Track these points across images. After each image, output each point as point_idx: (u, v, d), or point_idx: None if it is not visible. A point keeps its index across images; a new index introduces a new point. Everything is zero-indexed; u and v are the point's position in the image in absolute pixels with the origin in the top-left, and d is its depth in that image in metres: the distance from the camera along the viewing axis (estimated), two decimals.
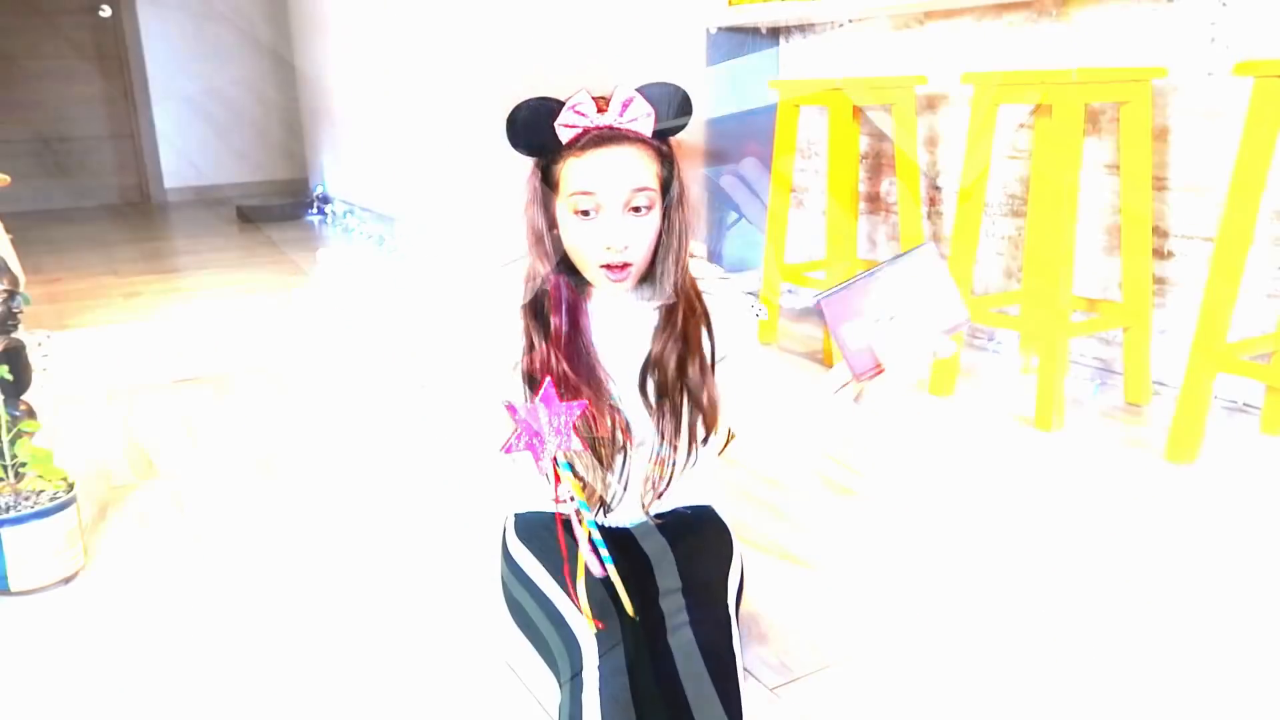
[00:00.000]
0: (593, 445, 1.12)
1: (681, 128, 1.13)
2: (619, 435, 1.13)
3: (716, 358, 1.16)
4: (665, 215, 1.11)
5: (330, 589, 1.41)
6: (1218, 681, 1.15)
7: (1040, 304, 2.01)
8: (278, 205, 4.68)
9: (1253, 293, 2.01)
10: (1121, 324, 2.09)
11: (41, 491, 1.43)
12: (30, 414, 1.60)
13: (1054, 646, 1.23)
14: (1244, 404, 2.05)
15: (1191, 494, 1.66)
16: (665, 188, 1.10)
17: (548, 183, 1.11)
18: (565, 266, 1.13)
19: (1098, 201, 2.28)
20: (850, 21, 2.87)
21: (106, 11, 5.17)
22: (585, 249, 1.08)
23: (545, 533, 1.18)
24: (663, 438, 1.15)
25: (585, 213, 1.07)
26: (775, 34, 3.19)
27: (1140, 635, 1.25)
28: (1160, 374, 2.19)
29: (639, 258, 1.08)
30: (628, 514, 1.19)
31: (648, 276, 1.14)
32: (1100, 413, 2.08)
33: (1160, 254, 2.16)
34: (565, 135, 1.08)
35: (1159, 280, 2.16)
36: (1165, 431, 1.85)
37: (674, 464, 1.16)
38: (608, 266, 1.08)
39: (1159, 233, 2.15)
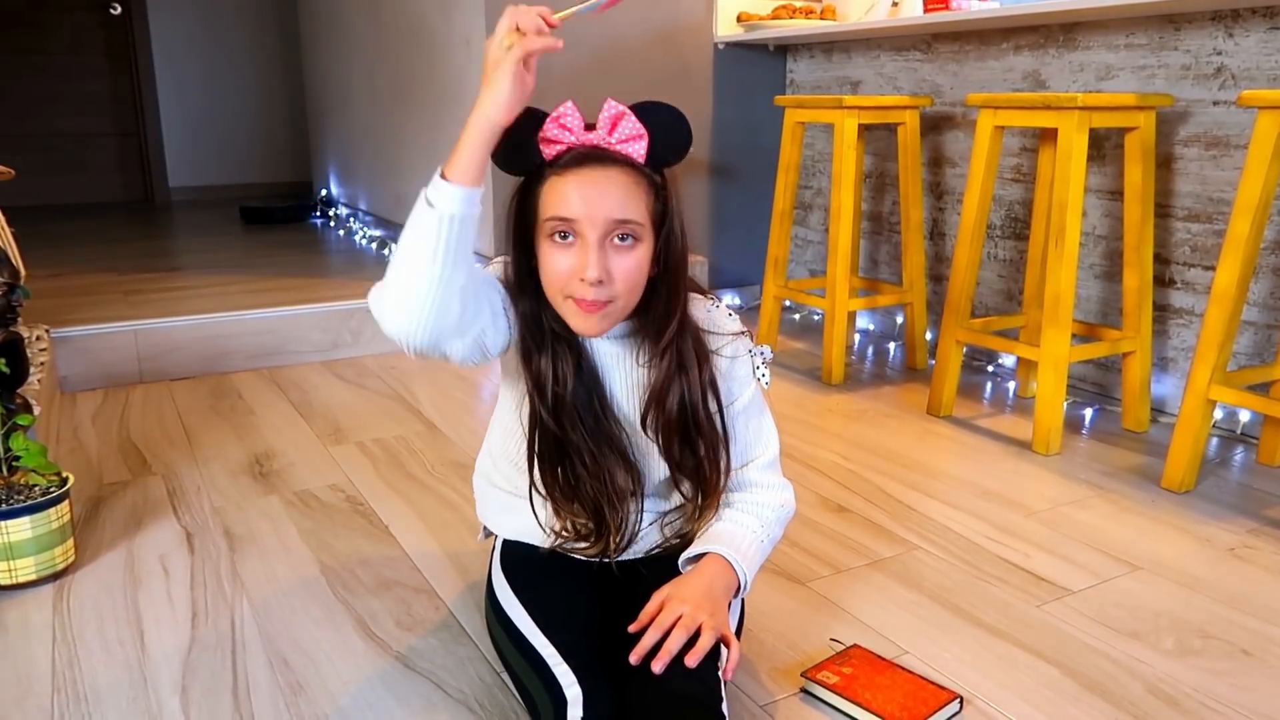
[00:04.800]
0: (597, 501, 1.07)
1: (678, 157, 1.02)
2: (629, 482, 1.08)
3: (724, 405, 1.10)
4: (659, 257, 1.01)
5: (327, 588, 1.41)
6: (1221, 697, 1.15)
7: (1041, 327, 2.01)
8: (281, 207, 4.68)
9: (1254, 323, 2.01)
10: (1122, 350, 2.09)
11: (34, 486, 1.43)
12: (25, 407, 1.60)
13: (1048, 670, 1.22)
14: (1242, 433, 2.05)
15: (1187, 522, 1.66)
16: (658, 224, 1.01)
17: (526, 206, 1.02)
18: (550, 306, 1.03)
19: (1100, 227, 2.28)
20: (857, 41, 2.89)
21: (117, 9, 5.19)
22: (556, 278, 0.98)
23: (533, 578, 1.13)
24: (679, 480, 1.10)
25: (563, 236, 0.97)
26: (783, 51, 3.21)
27: (1138, 661, 1.24)
28: (1159, 401, 2.19)
29: (619, 295, 0.99)
30: (639, 545, 1.15)
31: (640, 328, 1.06)
32: (1098, 438, 2.08)
33: (1162, 281, 2.16)
34: (548, 151, 0.99)
35: (1160, 307, 2.17)
36: (1162, 459, 1.85)
37: (696, 509, 1.12)
38: (578, 300, 0.98)
39: (1161, 260, 2.15)
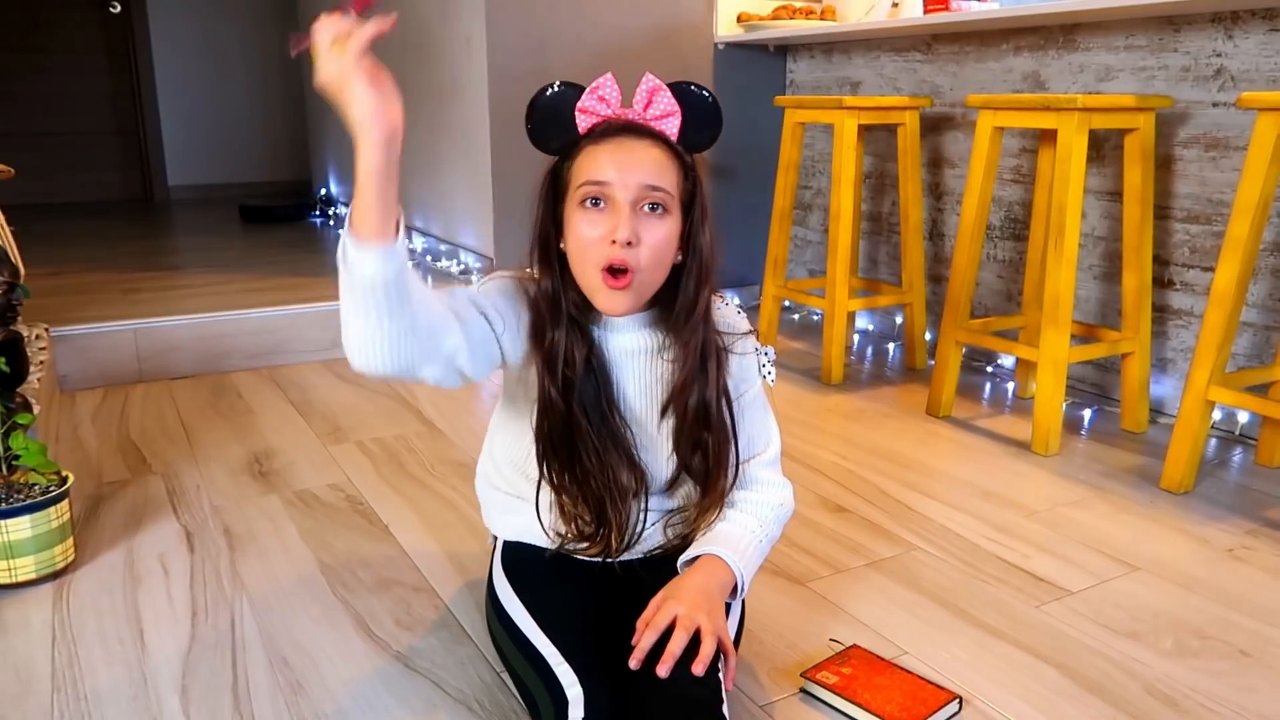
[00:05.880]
0: (600, 499, 1.07)
1: (710, 140, 1.05)
2: (632, 481, 1.07)
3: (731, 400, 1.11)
4: (687, 238, 1.03)
5: (326, 587, 1.41)
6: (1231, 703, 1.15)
7: (1040, 328, 2.01)
8: (280, 206, 4.69)
9: (1253, 324, 2.01)
10: (1121, 351, 2.10)
11: (34, 485, 1.43)
12: (25, 406, 1.60)
13: (1047, 670, 1.22)
14: (1241, 434, 2.06)
15: (1186, 523, 1.66)
16: (687, 205, 1.03)
17: (559, 184, 1.04)
18: (572, 289, 1.04)
19: (1100, 228, 2.29)
20: (857, 42, 2.89)
21: (117, 8, 5.19)
22: (588, 243, 0.99)
23: (534, 579, 1.13)
24: (688, 479, 1.10)
25: (594, 203, 0.99)
26: (783, 51, 3.21)
27: (1136, 661, 1.24)
28: (1158, 402, 2.19)
29: (645, 263, 1.00)
30: (640, 545, 1.15)
31: (661, 318, 1.07)
32: (1097, 439, 2.08)
33: (1161, 282, 2.16)
34: (583, 123, 1.01)
35: (1159, 308, 2.17)
36: (1161, 459, 1.85)
37: (700, 508, 1.12)
38: (609, 272, 0.99)
39: (1160, 261, 2.16)
